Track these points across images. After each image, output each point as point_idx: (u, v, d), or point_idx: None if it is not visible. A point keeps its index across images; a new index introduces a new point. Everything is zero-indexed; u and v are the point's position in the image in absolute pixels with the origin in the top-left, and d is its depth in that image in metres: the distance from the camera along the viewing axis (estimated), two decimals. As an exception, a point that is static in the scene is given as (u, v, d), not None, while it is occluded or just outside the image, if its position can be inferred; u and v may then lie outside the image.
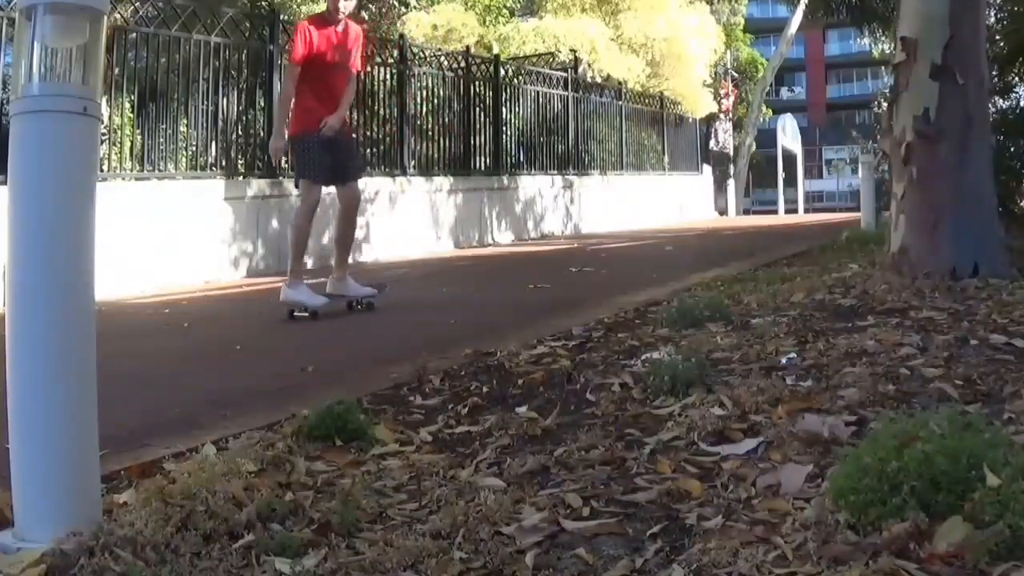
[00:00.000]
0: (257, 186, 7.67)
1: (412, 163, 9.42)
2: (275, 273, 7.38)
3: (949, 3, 4.33)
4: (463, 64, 10.54)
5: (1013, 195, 7.18)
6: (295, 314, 4.73)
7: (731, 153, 21.71)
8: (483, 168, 10.70)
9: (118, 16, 6.77)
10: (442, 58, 10.47)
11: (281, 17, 8.55)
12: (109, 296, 5.83)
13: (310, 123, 4.67)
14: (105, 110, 6.59)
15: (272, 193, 7.76)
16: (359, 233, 8.59)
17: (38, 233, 1.57)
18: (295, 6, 11.11)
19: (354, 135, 5.07)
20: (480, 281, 6.90)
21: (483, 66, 10.86)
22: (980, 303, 3.57)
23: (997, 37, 7.74)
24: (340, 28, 4.78)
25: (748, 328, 3.34)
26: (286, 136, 4.75)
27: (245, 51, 7.78)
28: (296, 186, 4.92)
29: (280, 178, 7.86)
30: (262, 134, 7.83)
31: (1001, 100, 7.87)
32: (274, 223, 7.74)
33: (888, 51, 8.74)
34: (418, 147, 9.67)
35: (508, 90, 11.25)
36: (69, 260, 1.59)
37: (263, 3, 9.84)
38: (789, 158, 25.33)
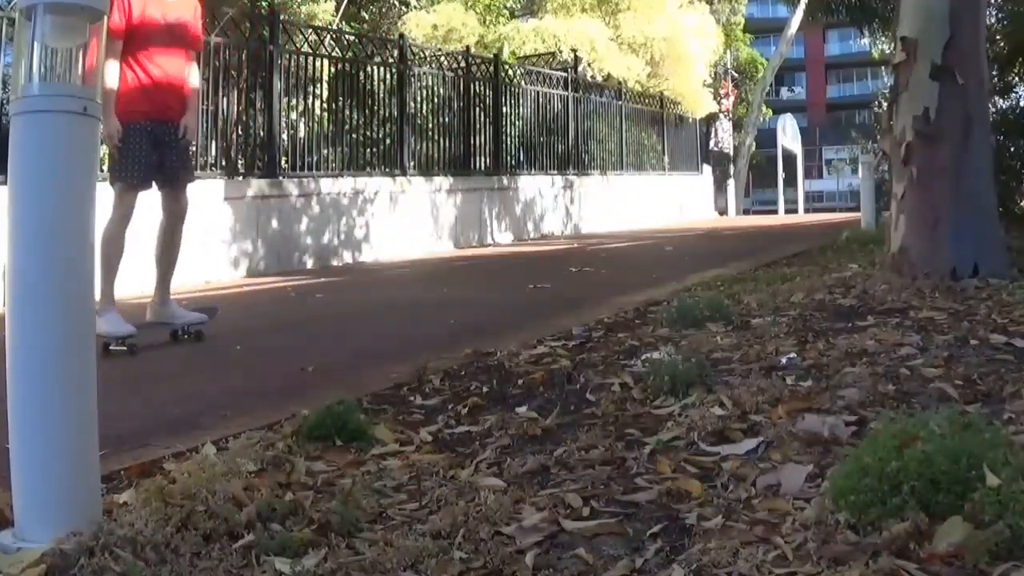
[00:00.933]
0: (257, 186, 7.67)
1: (412, 163, 9.42)
2: (276, 273, 7.39)
3: (949, 3, 4.33)
4: (463, 64, 10.53)
5: (1013, 195, 7.18)
6: (111, 348, 3.77)
7: (731, 153, 21.70)
8: (483, 168, 10.70)
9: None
10: (442, 58, 10.47)
11: (281, 17, 8.54)
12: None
13: (135, 111, 3.80)
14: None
15: (272, 193, 7.76)
16: (359, 233, 8.59)
17: (38, 233, 1.57)
18: (295, 6, 11.09)
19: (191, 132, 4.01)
20: (480, 281, 6.89)
21: (483, 66, 10.86)
22: (980, 303, 3.57)
23: (997, 37, 7.73)
24: None
25: (748, 328, 3.34)
26: (116, 122, 3.76)
27: (245, 51, 7.77)
28: (112, 185, 3.93)
29: (280, 178, 7.87)
30: (261, 134, 7.84)
31: (1001, 100, 7.87)
32: (274, 223, 7.74)
33: (888, 51, 8.74)
34: (418, 147, 9.66)
35: (508, 90, 11.24)
36: (69, 260, 1.59)
37: (262, 3, 9.82)
38: (789, 158, 25.31)
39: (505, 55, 12.07)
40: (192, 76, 4.09)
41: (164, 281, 4.21)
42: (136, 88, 3.83)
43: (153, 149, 3.88)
